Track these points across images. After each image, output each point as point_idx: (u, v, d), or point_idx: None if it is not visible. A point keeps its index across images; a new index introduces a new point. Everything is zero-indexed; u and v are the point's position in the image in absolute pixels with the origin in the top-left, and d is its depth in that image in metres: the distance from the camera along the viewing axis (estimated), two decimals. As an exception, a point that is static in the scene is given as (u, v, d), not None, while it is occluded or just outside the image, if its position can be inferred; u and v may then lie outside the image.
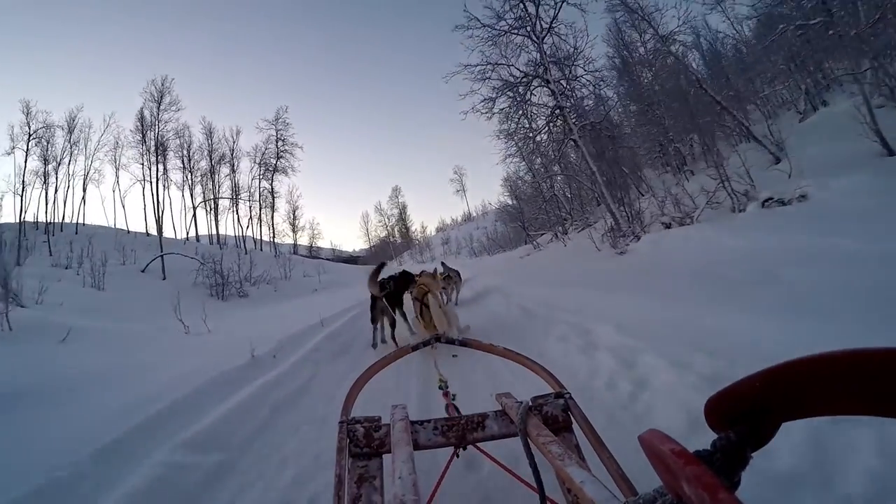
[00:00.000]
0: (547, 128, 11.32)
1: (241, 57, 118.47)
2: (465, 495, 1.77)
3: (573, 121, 10.55)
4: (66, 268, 22.65)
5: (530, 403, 1.30)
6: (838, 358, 0.34)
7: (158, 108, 30.01)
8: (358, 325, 6.73)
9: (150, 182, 33.77)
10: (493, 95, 11.28)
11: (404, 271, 5.62)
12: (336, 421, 1.39)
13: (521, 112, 11.11)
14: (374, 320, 4.90)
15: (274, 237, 34.11)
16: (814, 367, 0.36)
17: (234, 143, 33.66)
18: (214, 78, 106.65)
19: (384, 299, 4.84)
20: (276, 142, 32.79)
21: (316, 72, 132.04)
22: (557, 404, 1.39)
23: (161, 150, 33.88)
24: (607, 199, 10.18)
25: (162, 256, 24.39)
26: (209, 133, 34.87)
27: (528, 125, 11.42)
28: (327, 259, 44.40)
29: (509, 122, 11.43)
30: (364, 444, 1.29)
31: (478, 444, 1.40)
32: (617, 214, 9.94)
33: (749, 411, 0.40)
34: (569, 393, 1.43)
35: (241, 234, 34.18)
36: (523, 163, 15.87)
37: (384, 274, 5.25)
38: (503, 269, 11.26)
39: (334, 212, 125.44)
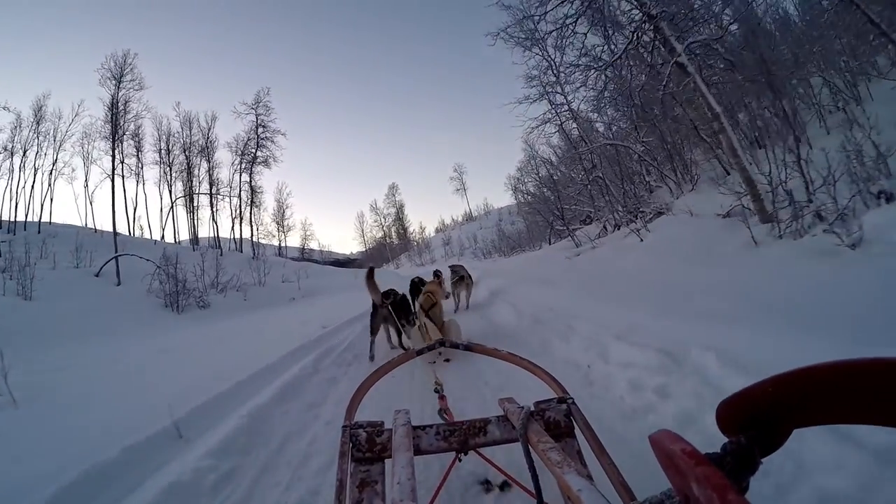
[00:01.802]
0: (625, 54, 7.15)
1: (225, 44, 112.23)
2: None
3: (675, 38, 6.43)
4: (3, 271, 18.96)
5: (532, 408, 1.30)
6: (854, 366, 0.33)
7: (118, 88, 25.94)
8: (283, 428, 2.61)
9: (120, 174, 30.67)
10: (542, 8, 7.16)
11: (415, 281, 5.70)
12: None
13: (591, 25, 6.95)
14: (373, 331, 4.47)
15: (253, 237, 29.82)
16: (829, 374, 0.35)
17: (209, 129, 29.45)
18: (194, 67, 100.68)
19: (390, 308, 4.39)
20: (257, 128, 28.50)
21: (306, 65, 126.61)
22: (560, 409, 1.34)
23: (130, 136, 30.39)
24: (742, 160, 6.11)
25: (117, 258, 20.41)
26: (188, 122, 30.88)
27: (604, 35, 7.24)
28: (315, 261, 40.08)
29: (564, 40, 7.24)
30: (366, 448, 1.27)
31: (479, 450, 1.38)
32: (757, 185, 5.85)
33: (761, 417, 0.39)
34: (572, 398, 1.37)
35: (217, 233, 29.93)
36: (561, 128, 11.90)
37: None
38: (556, 277, 7.11)
39: (330, 214, 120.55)
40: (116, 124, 25.56)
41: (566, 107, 12.44)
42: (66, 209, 49.52)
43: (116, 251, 21.09)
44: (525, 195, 19.45)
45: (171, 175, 31.51)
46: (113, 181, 24.30)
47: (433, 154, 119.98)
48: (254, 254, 27.02)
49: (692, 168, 11.58)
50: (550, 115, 12.06)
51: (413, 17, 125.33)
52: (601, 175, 11.94)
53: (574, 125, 12.31)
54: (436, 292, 4.53)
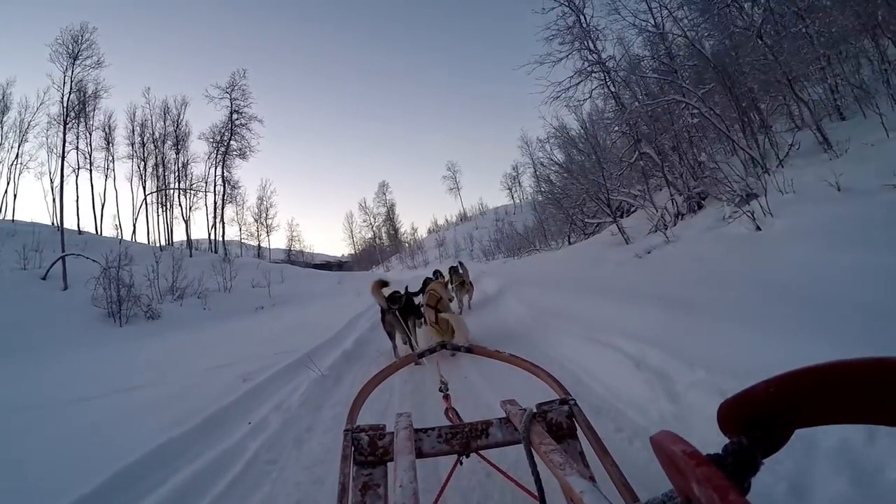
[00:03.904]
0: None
1: (204, 32, 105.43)
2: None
3: None
4: (-79, 276, 16.03)
5: (534, 410, 1.25)
6: (856, 366, 0.33)
7: (73, 65, 22.71)
8: None
9: (87, 168, 27.33)
10: None
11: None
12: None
13: None
14: (389, 335, 4.50)
15: (224, 235, 26.37)
16: (830, 374, 0.34)
17: (179, 115, 26.19)
18: (169, 52, 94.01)
19: (397, 313, 4.31)
20: (231, 114, 25.18)
21: (289, 58, 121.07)
22: (562, 411, 1.31)
23: (101, 127, 27.08)
24: None
25: (64, 259, 17.35)
26: (163, 112, 27.53)
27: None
28: (296, 264, 36.79)
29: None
30: (369, 452, 1.23)
31: (481, 452, 1.34)
32: None
33: (762, 417, 0.38)
34: (574, 399, 1.34)
35: (188, 232, 26.62)
36: (606, 85, 9.01)
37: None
38: (653, 289, 4.10)
39: (318, 216, 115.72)
40: (69, 107, 22.28)
41: (600, 66, 9.59)
42: (37, 207, 45.28)
43: (63, 250, 18.02)
44: (543, 182, 16.20)
45: (144, 170, 28.25)
46: (62, 169, 21.03)
47: (425, 154, 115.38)
48: (225, 254, 23.73)
49: (766, 137, 8.87)
50: (590, 70, 9.14)
51: (403, 7, 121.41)
52: (654, 150, 9.05)
53: (611, 88, 9.45)
54: (437, 289, 4.54)
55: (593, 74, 9.28)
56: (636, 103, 8.81)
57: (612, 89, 9.67)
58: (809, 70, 9.98)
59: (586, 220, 11.96)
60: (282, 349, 5.03)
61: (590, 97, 9.93)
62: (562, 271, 7.78)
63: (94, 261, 16.08)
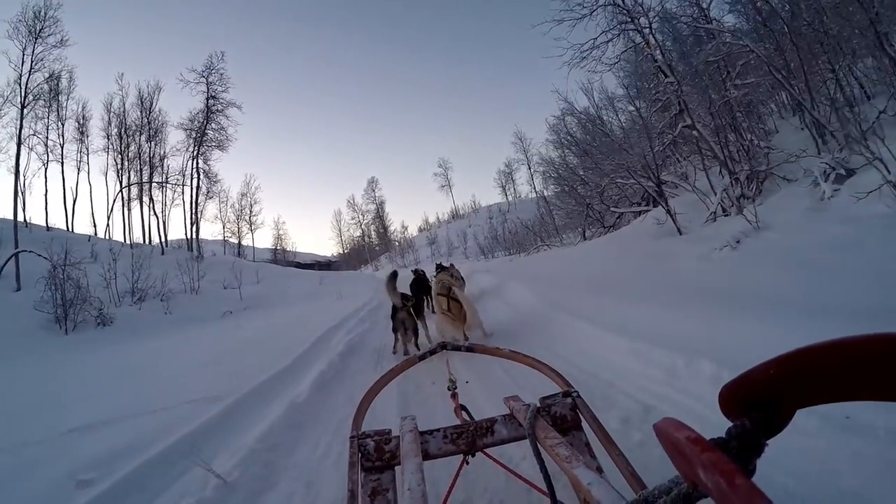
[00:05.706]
0: None
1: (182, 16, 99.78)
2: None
3: None
4: None
5: (538, 405, 1.25)
6: (854, 343, 0.32)
7: (34, 44, 20.74)
8: None
9: (58, 160, 25.02)
10: None
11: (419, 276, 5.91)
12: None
13: None
14: (395, 329, 4.47)
15: (198, 233, 24.10)
16: (829, 353, 0.34)
17: (151, 102, 24.02)
18: (149, 39, 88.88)
19: (412, 310, 4.39)
20: (207, 100, 23.02)
21: (271, 52, 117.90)
22: (566, 403, 1.28)
23: (74, 117, 24.75)
24: None
25: (17, 257, 15.41)
26: (140, 100, 25.28)
27: None
28: (276, 263, 34.69)
29: None
30: (375, 457, 1.21)
31: (487, 450, 1.32)
32: None
33: (764, 399, 0.38)
34: (577, 391, 1.31)
35: (163, 228, 24.43)
36: (653, 36, 7.29)
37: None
38: None
39: (306, 216, 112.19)
40: (27, 90, 20.13)
41: (633, 23, 7.92)
42: (8, 202, 42.34)
43: (17, 246, 16.04)
44: (552, 167, 14.25)
45: (121, 163, 25.92)
46: (18, 155, 18.92)
47: (415, 151, 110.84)
48: (198, 251, 21.67)
49: (834, 106, 7.35)
50: (622, 29, 7.41)
51: (394, 2, 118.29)
52: (705, 123, 7.39)
53: (649, 50, 7.74)
54: (448, 279, 4.61)
55: (624, 33, 7.57)
56: (667, 75, 7.07)
57: (652, 51, 7.95)
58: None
59: (611, 209, 10.15)
60: (206, 391, 3.26)
61: (619, 61, 8.23)
62: (603, 270, 5.99)
63: (46, 258, 14.08)
